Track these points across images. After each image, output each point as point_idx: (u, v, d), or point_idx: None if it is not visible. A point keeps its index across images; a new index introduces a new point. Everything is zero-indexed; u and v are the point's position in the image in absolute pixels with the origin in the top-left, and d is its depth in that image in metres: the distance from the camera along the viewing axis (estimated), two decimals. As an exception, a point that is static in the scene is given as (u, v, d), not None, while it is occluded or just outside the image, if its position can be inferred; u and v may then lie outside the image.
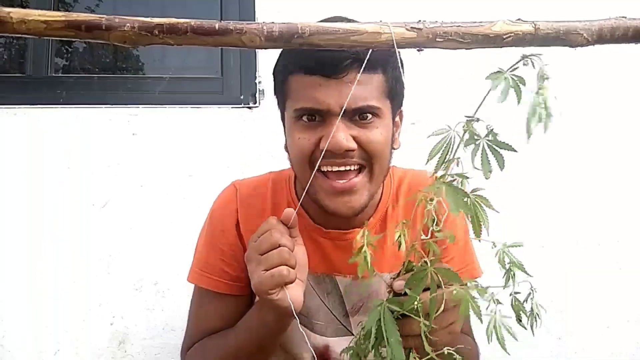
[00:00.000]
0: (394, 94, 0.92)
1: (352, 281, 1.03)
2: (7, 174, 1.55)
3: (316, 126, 0.88)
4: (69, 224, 1.55)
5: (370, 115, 0.88)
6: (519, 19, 0.53)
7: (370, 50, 0.55)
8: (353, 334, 1.01)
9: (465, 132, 0.57)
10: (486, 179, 0.56)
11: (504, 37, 0.53)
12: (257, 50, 1.39)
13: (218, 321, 1.02)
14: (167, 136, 1.61)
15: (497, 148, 0.56)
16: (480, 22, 0.53)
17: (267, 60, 1.63)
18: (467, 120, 0.57)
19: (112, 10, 1.86)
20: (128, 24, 0.50)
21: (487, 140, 0.56)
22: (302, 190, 1.02)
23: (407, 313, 0.65)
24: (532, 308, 0.61)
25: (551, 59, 0.52)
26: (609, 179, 1.73)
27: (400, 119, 1.00)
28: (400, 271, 0.73)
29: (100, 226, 1.56)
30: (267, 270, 0.79)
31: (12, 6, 0.48)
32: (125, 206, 1.58)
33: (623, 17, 0.54)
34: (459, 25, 0.52)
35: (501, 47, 0.54)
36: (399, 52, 0.60)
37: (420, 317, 0.63)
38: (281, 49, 0.94)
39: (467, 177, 0.59)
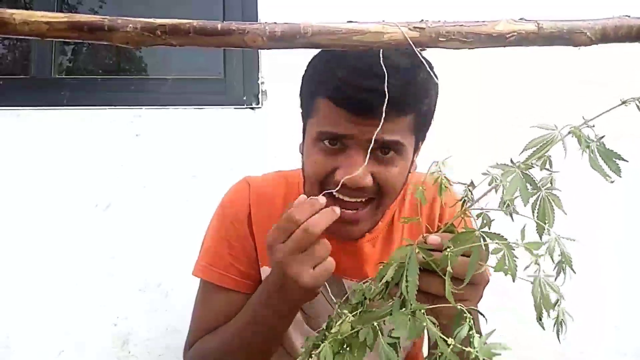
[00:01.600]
0: (422, 128, 0.91)
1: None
2: (11, 175, 1.56)
3: (335, 152, 0.86)
4: (72, 225, 1.56)
5: (391, 152, 0.86)
6: (521, 18, 0.53)
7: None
8: None
9: (568, 134, 0.55)
10: (611, 182, 0.55)
11: (507, 36, 0.52)
12: (259, 50, 1.39)
13: (222, 318, 0.99)
14: (170, 137, 1.61)
15: (609, 156, 0.54)
16: (483, 21, 0.53)
17: (269, 60, 1.63)
18: (584, 122, 0.54)
19: (115, 12, 1.87)
20: (130, 25, 0.50)
21: (597, 146, 0.54)
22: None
23: (433, 267, 0.61)
24: (557, 315, 0.59)
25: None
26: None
27: (422, 142, 0.97)
28: (437, 229, 0.69)
29: (104, 227, 1.57)
30: (317, 265, 0.76)
31: (16, 7, 0.48)
32: (129, 207, 1.58)
33: (626, 16, 0.53)
34: (461, 25, 0.52)
35: (504, 47, 0.53)
36: (425, 58, 0.59)
37: (447, 280, 0.59)
38: (312, 58, 0.93)
39: (555, 172, 0.57)
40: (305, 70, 0.95)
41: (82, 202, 1.57)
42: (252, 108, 1.65)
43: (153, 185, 1.59)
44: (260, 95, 1.65)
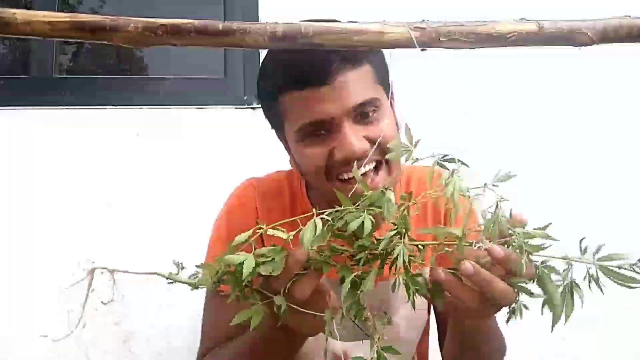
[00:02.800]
0: (384, 78, 0.91)
1: None
2: (11, 175, 1.56)
3: (324, 139, 0.86)
4: (72, 224, 1.56)
5: (371, 111, 0.87)
6: (522, 18, 0.53)
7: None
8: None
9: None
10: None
11: (508, 36, 0.52)
12: (260, 50, 1.39)
13: (237, 327, 0.99)
14: (170, 137, 1.61)
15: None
16: (484, 21, 0.53)
17: (270, 60, 1.63)
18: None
19: (115, 11, 1.87)
20: (132, 25, 0.50)
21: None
22: (314, 191, 1.02)
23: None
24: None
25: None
26: (615, 174, 1.72)
27: (393, 99, 0.97)
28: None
29: (104, 226, 1.57)
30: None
31: (18, 7, 0.48)
32: (130, 206, 1.58)
33: (627, 16, 0.54)
34: (462, 25, 0.52)
35: (505, 47, 0.54)
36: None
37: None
38: (259, 71, 0.95)
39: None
40: (259, 89, 0.96)
41: (83, 201, 1.56)
42: (253, 108, 1.65)
43: (153, 185, 1.59)
44: (260, 95, 1.65)
